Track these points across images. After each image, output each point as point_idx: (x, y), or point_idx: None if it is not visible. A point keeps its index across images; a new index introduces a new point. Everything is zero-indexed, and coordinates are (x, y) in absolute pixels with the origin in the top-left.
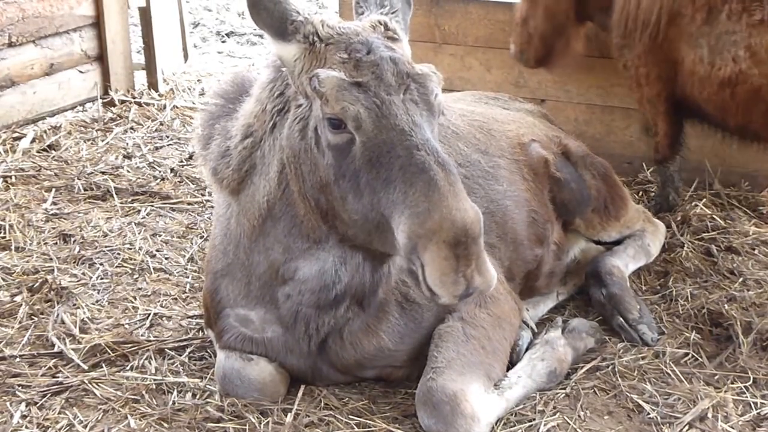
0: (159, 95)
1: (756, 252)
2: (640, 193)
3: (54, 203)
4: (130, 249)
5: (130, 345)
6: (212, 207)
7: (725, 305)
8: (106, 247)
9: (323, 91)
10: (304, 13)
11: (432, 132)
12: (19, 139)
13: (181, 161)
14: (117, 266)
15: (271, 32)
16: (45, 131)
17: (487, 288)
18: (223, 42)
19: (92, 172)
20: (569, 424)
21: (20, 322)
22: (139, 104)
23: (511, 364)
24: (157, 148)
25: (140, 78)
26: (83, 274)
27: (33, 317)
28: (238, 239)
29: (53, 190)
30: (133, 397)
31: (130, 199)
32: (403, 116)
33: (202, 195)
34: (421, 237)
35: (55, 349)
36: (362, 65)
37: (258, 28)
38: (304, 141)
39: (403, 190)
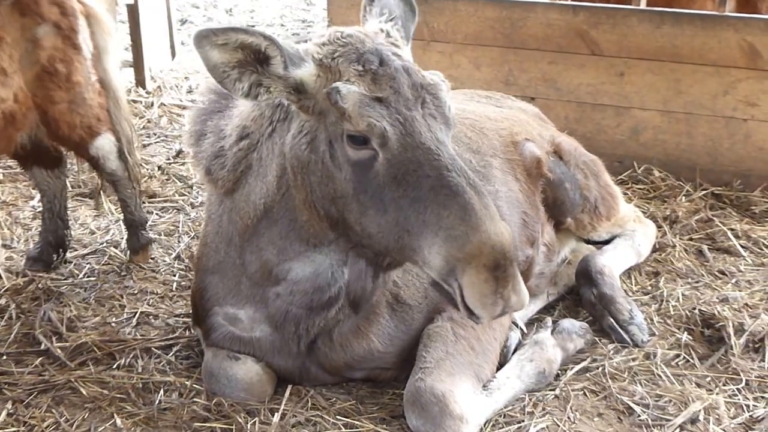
0: (146, 92)
1: (748, 252)
2: (630, 193)
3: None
4: (117, 247)
5: (116, 343)
6: (198, 206)
7: (717, 306)
8: (92, 245)
9: (345, 107)
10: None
11: (452, 147)
12: None
13: (168, 159)
14: (104, 264)
15: (298, 63)
16: None
17: (521, 307)
18: None
19: (79, 170)
20: (558, 425)
21: (7, 320)
22: (127, 101)
23: (500, 365)
24: (144, 146)
25: (128, 75)
26: (70, 272)
27: (20, 315)
28: (230, 237)
29: None
30: (119, 395)
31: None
32: (427, 133)
33: (189, 193)
34: (460, 261)
35: (42, 347)
36: (380, 78)
37: (288, 70)
38: (314, 154)
39: (436, 212)
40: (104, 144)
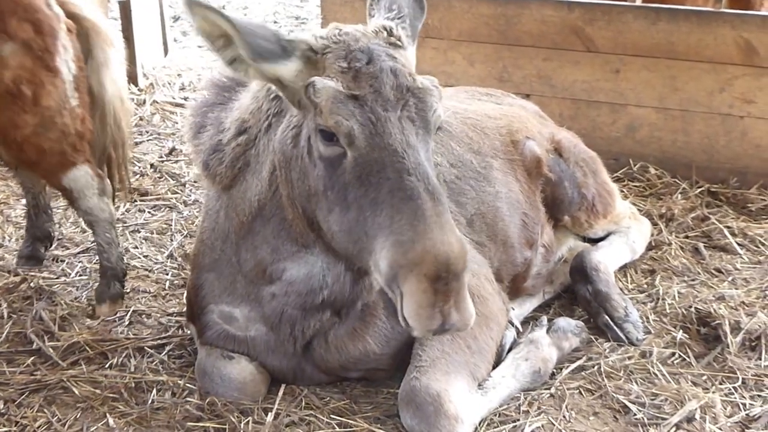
0: (139, 90)
1: (744, 250)
2: (626, 190)
3: None
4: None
5: (109, 343)
6: (191, 204)
7: (713, 304)
8: (84, 243)
9: (318, 102)
10: (293, 35)
11: (426, 152)
12: None
13: (161, 157)
14: (96, 263)
15: (273, 60)
16: None
17: (464, 327)
18: None
19: None
20: (554, 425)
21: None
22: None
23: (495, 364)
24: (136, 144)
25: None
26: (62, 271)
27: (12, 314)
28: (226, 234)
29: None
30: (111, 395)
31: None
32: (398, 136)
33: (182, 191)
34: (403, 267)
35: (34, 347)
36: (361, 77)
37: (262, 63)
38: (297, 149)
39: (389, 215)
40: (79, 177)
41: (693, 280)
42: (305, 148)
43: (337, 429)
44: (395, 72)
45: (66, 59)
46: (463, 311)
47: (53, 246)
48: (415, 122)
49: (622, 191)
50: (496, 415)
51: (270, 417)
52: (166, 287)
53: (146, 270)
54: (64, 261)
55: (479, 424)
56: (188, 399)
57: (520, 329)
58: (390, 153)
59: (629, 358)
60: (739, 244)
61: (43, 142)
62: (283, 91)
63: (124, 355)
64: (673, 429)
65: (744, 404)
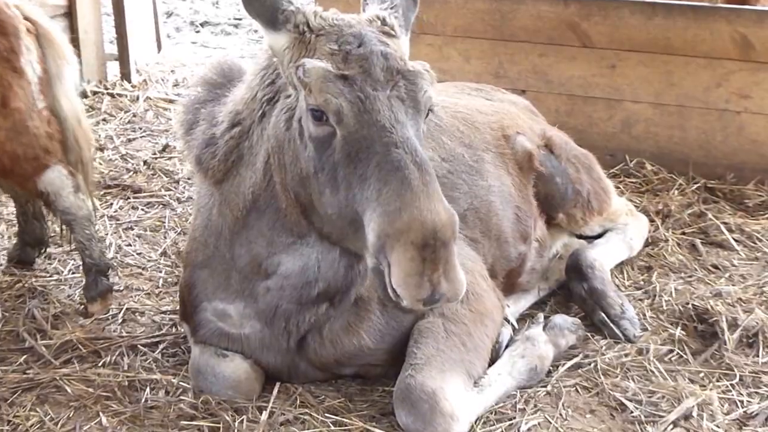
0: (132, 86)
1: (741, 246)
2: (622, 186)
3: None
4: (102, 243)
5: (102, 341)
6: (185, 201)
7: (710, 301)
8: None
9: (308, 81)
10: (296, 4)
11: (416, 131)
12: None
13: (154, 153)
14: None
15: (262, 21)
16: None
17: (455, 297)
18: (197, 32)
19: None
20: (550, 422)
21: None
22: (112, 95)
23: (491, 361)
24: (129, 140)
25: (113, 69)
26: (54, 268)
27: (4, 313)
28: (219, 230)
29: None
30: (104, 394)
31: (102, 192)
32: (386, 113)
33: (176, 188)
34: (390, 236)
35: (26, 345)
36: (351, 58)
37: (251, 18)
38: (289, 132)
39: (377, 188)
40: (54, 179)
41: (690, 276)
42: (297, 130)
43: (332, 427)
44: (386, 55)
45: (30, 60)
46: (453, 281)
47: (47, 248)
48: (405, 102)
49: (618, 187)
50: (492, 413)
51: (264, 416)
52: (160, 285)
53: (139, 268)
54: (57, 259)
55: (475, 422)
56: (182, 397)
57: (516, 326)
58: (378, 129)
59: (626, 355)
60: (736, 241)
61: (16, 148)
62: (280, 65)
63: (117, 353)
64: (670, 426)
65: (741, 401)
